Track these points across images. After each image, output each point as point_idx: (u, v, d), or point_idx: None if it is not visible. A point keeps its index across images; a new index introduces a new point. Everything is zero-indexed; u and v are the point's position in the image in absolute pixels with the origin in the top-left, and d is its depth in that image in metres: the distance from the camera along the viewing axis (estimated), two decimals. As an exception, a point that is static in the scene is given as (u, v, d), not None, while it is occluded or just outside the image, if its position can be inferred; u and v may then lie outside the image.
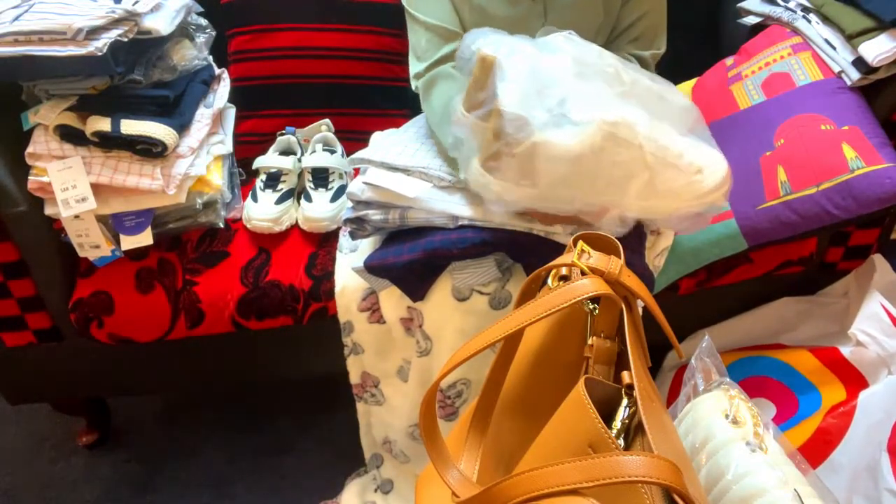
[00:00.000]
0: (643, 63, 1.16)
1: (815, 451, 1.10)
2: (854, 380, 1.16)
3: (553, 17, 1.11)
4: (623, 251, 0.73)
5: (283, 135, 1.35)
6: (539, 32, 1.00)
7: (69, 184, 1.09)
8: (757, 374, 1.25)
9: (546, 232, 1.01)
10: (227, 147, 1.28)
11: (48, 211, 1.13)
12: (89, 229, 1.13)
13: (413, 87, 1.16)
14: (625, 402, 0.63)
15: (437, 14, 1.11)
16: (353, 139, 1.35)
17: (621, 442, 0.60)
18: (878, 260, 1.24)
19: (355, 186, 1.09)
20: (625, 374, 0.63)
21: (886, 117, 1.11)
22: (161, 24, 1.11)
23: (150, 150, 1.11)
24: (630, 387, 0.62)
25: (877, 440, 1.05)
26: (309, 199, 1.26)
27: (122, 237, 1.16)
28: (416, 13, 1.13)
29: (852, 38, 1.11)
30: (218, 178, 1.22)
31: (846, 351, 1.17)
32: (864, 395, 1.11)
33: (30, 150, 1.11)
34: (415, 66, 1.14)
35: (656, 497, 0.55)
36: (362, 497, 1.28)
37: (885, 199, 1.02)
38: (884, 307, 1.16)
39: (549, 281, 0.78)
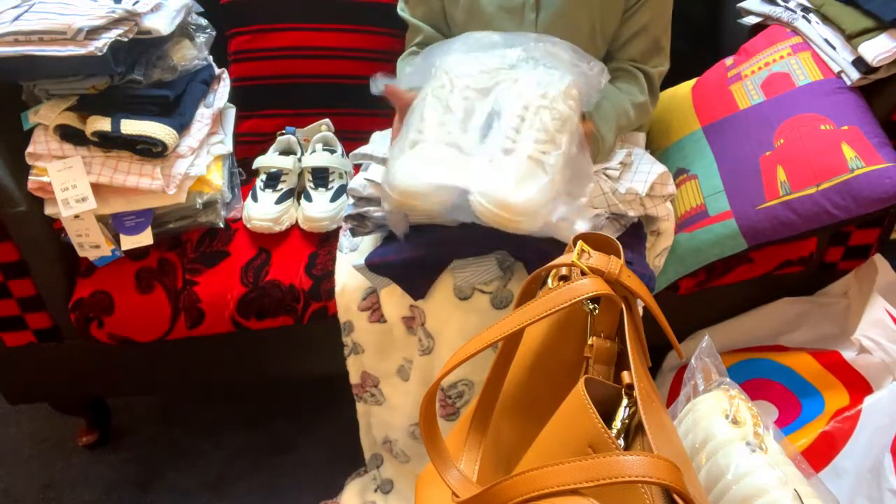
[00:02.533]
0: (648, 79, 1.16)
1: (818, 456, 1.10)
2: (858, 385, 1.16)
3: (546, 11, 1.10)
4: (623, 251, 0.73)
5: (283, 135, 1.35)
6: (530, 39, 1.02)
7: (69, 184, 1.09)
8: (758, 377, 1.25)
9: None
10: (227, 147, 1.28)
11: (48, 211, 1.13)
12: (89, 229, 1.13)
13: None
14: (625, 402, 0.63)
15: (417, 13, 1.20)
16: (353, 139, 1.35)
17: (621, 442, 0.60)
18: (880, 261, 1.24)
19: (357, 183, 1.09)
20: (625, 374, 0.63)
21: (886, 117, 1.11)
22: (161, 24, 1.11)
23: (150, 150, 1.11)
24: (630, 387, 0.62)
25: (881, 443, 1.06)
26: (309, 198, 1.26)
27: (122, 237, 1.16)
28: (402, 13, 1.21)
29: (852, 38, 1.11)
30: (218, 178, 1.22)
31: (850, 356, 1.17)
32: (869, 401, 1.11)
33: (30, 150, 1.11)
34: (402, 8, 1.24)
35: (656, 497, 0.55)
36: (362, 497, 1.28)
37: (885, 198, 1.02)
38: (889, 313, 1.16)
39: (549, 281, 0.78)
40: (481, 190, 0.91)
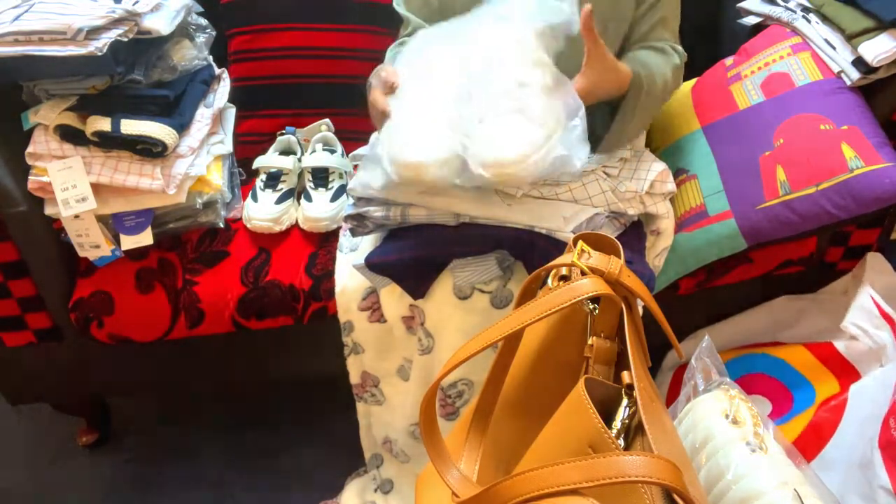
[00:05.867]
0: (674, 50, 1.15)
1: (808, 446, 1.11)
2: (847, 373, 1.16)
3: None
4: (623, 251, 0.73)
5: (283, 135, 1.35)
6: None
7: (69, 184, 1.10)
8: (752, 372, 1.25)
9: (548, 230, 1.01)
10: (227, 147, 1.28)
11: (48, 211, 1.13)
12: (89, 229, 1.13)
13: None
14: (625, 402, 0.63)
15: (412, 6, 1.19)
16: (353, 139, 1.35)
17: (621, 442, 0.60)
18: (873, 257, 1.25)
19: (356, 183, 1.09)
20: (625, 374, 0.63)
21: (886, 117, 1.11)
22: (161, 24, 1.11)
23: (150, 150, 1.11)
24: (630, 387, 0.62)
25: (868, 435, 1.05)
26: (309, 198, 1.26)
27: (122, 237, 1.16)
28: (397, 7, 1.20)
29: (852, 38, 1.11)
30: (218, 178, 1.22)
31: (840, 345, 1.17)
32: (854, 388, 1.11)
33: (30, 150, 1.11)
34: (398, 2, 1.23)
35: (656, 497, 0.55)
36: (362, 497, 1.28)
37: (885, 198, 1.02)
38: (874, 300, 1.17)
39: (549, 281, 0.78)
40: (474, 155, 0.92)
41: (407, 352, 1.16)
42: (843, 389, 1.13)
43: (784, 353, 1.24)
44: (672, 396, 1.30)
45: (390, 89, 1.01)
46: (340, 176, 1.30)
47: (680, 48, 1.17)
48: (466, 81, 0.98)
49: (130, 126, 1.09)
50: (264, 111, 1.41)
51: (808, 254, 1.24)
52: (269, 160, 1.31)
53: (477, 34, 1.00)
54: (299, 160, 1.32)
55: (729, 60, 1.30)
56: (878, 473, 1.02)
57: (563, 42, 0.99)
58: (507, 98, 0.94)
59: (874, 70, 1.09)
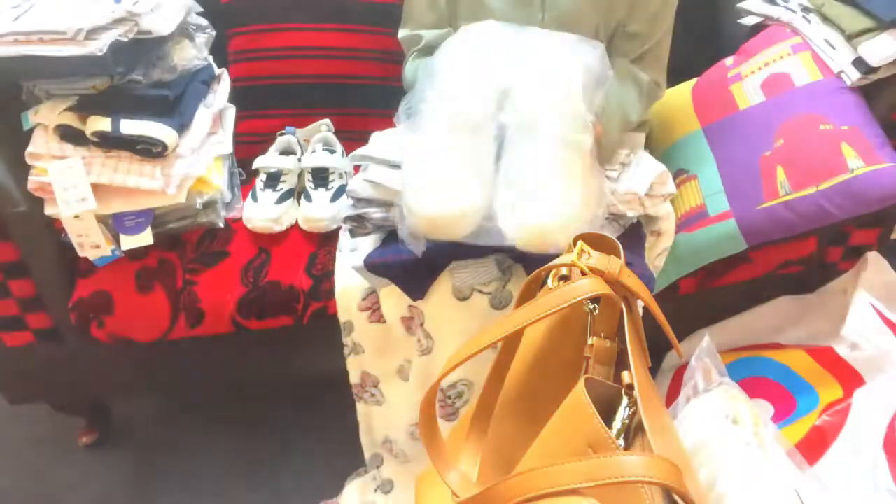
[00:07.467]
0: (640, 87, 1.15)
1: (811, 449, 1.11)
2: (851, 378, 1.16)
3: (552, 10, 1.11)
4: (623, 251, 0.73)
5: (283, 135, 1.35)
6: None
7: (69, 184, 1.09)
8: (755, 375, 1.26)
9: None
10: (227, 147, 1.28)
11: (48, 211, 1.13)
12: (89, 229, 1.13)
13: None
14: (625, 402, 0.63)
15: (424, 21, 1.20)
16: (353, 139, 1.35)
17: (621, 442, 0.60)
18: (872, 257, 1.25)
19: (356, 184, 1.09)
20: (625, 374, 0.63)
21: (886, 117, 1.11)
22: (161, 24, 1.11)
23: (150, 150, 1.11)
24: (630, 387, 0.62)
25: (873, 439, 1.06)
26: (309, 198, 1.26)
27: (122, 237, 1.16)
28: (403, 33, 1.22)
29: (852, 38, 1.11)
30: (218, 178, 1.22)
31: (842, 351, 1.17)
32: (859, 393, 1.11)
33: (30, 150, 1.11)
34: (403, 30, 1.22)
35: (656, 497, 0.55)
36: (362, 497, 1.28)
37: (885, 198, 1.02)
38: (874, 306, 1.17)
39: (549, 281, 0.78)
40: (517, 222, 0.94)
41: (407, 352, 1.16)
42: (847, 394, 1.13)
43: (786, 358, 1.24)
44: (672, 396, 1.29)
45: None
46: (340, 176, 1.30)
47: (661, 84, 1.18)
48: (501, 131, 0.98)
49: (130, 126, 1.09)
50: (264, 111, 1.41)
51: (808, 254, 1.24)
52: (269, 160, 1.31)
53: (516, 74, 0.99)
54: (299, 160, 1.32)
55: (729, 60, 1.30)
56: (883, 476, 1.02)
57: (601, 95, 1.01)
58: (551, 163, 0.95)
59: (874, 70, 1.09)
